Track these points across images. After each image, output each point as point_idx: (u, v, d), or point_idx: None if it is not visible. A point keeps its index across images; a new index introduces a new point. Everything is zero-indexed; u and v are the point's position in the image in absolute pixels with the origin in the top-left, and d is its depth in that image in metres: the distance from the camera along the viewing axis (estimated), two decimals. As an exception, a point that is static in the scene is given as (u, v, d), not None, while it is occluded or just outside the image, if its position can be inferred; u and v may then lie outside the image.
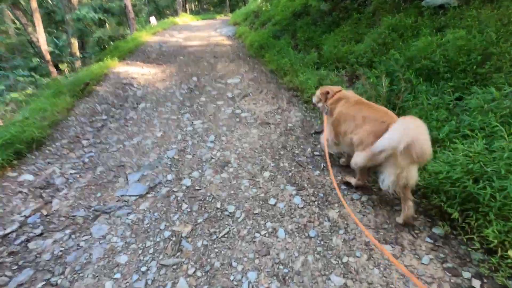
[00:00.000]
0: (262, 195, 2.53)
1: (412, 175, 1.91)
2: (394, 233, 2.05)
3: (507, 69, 2.79)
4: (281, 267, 1.87)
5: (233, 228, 2.20)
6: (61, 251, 2.12)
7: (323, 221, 2.21)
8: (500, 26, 3.25)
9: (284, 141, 3.37)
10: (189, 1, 31.54)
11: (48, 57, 9.15)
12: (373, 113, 2.21)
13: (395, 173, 1.91)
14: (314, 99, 2.99)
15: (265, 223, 2.23)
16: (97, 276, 1.92)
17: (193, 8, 33.56)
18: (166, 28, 15.25)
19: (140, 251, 2.07)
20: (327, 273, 1.82)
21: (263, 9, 11.17)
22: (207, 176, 2.83)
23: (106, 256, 2.06)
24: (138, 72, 6.75)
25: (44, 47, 8.76)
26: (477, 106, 2.55)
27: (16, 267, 2.02)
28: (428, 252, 1.89)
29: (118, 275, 1.91)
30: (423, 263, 1.81)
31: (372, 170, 2.45)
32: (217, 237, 2.13)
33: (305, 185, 2.62)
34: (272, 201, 2.45)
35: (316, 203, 2.40)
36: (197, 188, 2.68)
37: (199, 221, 2.29)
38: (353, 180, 2.49)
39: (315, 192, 2.52)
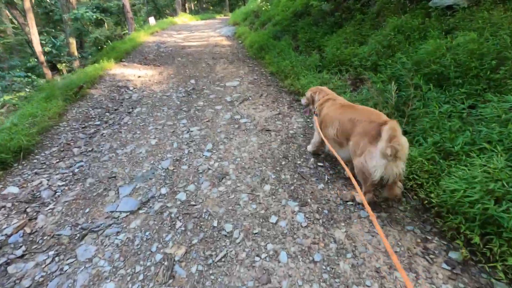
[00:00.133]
0: (262, 211, 2.35)
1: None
2: (407, 258, 1.87)
3: (524, 75, 2.62)
4: (283, 297, 1.70)
5: (231, 251, 2.02)
6: (42, 276, 1.94)
7: (328, 243, 2.03)
8: (514, 28, 3.07)
9: (285, 149, 3.19)
10: (188, 1, 31.30)
11: (42, 58, 8.92)
12: (360, 115, 2.26)
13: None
14: (304, 101, 3.13)
15: (266, 245, 2.05)
16: (80, 307, 1.74)
17: (193, 8, 33.31)
18: (164, 28, 15.07)
19: (128, 278, 1.89)
20: (334, 305, 1.64)
21: (263, 8, 10.96)
22: (204, 190, 2.64)
23: (91, 283, 1.87)
24: (135, 74, 6.56)
25: (38, 48, 8.53)
26: (493, 116, 2.37)
27: (-8, 295, 1.85)
28: (446, 281, 1.71)
29: (103, 306, 1.73)
30: (441, 295, 1.64)
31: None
32: (213, 261, 1.95)
33: (309, 200, 2.44)
34: (273, 218, 2.26)
35: (320, 221, 2.22)
36: (192, 203, 2.49)
37: (194, 242, 2.11)
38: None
39: (319, 209, 2.34)
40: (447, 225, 1.96)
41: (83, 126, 4.15)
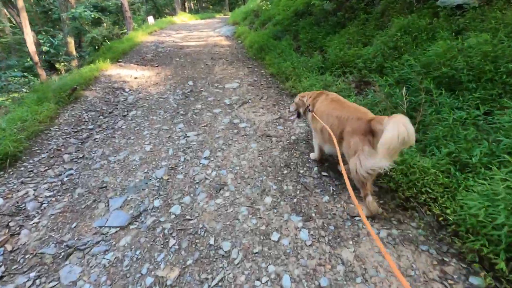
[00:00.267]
0: (263, 227, 2.17)
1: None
2: (423, 283, 1.70)
3: (544, 79, 2.44)
4: (286, 330, 1.52)
5: (229, 273, 1.84)
6: (21, 302, 1.76)
7: (335, 265, 1.85)
8: (531, 29, 2.90)
9: (287, 157, 3.01)
10: (188, 0, 31.06)
11: (36, 58, 8.70)
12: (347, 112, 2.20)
13: None
14: (293, 107, 3.08)
15: (267, 266, 1.87)
16: None
17: (192, 7, 33.07)
18: (163, 27, 14.88)
19: (115, 305, 1.71)
20: None
21: (263, 8, 10.77)
22: (200, 202, 2.46)
23: (74, 310, 1.70)
24: (131, 75, 6.37)
25: (32, 48, 8.31)
26: (512, 124, 2.19)
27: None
28: (468, 312, 1.54)
29: None
30: (463, 329, 1.46)
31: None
32: (209, 285, 1.77)
33: (313, 214, 2.26)
34: (275, 236, 2.09)
35: (326, 239, 2.04)
36: (187, 217, 2.31)
37: (188, 262, 1.93)
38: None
39: (325, 225, 2.16)
40: (466, 247, 1.78)
41: (75, 130, 3.97)
